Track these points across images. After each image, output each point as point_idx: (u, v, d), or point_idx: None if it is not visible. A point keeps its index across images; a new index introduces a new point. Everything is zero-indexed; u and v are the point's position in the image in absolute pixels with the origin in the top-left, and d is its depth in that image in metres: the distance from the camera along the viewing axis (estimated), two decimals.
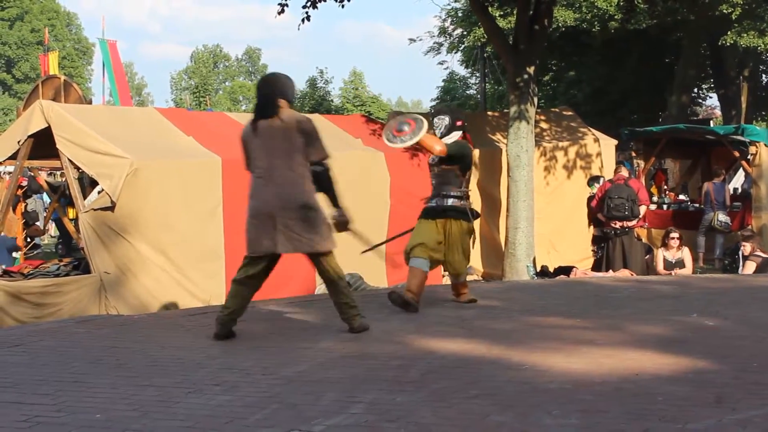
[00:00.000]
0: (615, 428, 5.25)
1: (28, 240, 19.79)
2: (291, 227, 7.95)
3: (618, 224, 15.00)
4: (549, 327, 8.57)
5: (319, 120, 16.95)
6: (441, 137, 9.74)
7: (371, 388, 6.34)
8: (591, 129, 19.53)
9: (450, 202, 9.73)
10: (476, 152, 17.44)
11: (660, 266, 14.57)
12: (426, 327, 8.65)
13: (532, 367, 6.86)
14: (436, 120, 9.89)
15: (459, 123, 9.90)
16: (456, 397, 6.08)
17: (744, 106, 35.16)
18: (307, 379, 6.70)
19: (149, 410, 5.96)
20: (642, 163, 20.63)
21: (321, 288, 13.24)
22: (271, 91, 8.20)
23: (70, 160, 12.28)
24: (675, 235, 15.19)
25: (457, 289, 10.22)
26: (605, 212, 15.02)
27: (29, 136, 12.54)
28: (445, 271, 10.23)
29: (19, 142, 12.68)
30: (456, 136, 9.86)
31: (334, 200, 8.32)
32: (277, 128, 8.02)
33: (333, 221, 8.29)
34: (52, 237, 24.99)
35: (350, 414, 5.71)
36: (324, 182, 8.21)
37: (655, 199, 20.92)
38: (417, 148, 16.12)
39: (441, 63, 65.53)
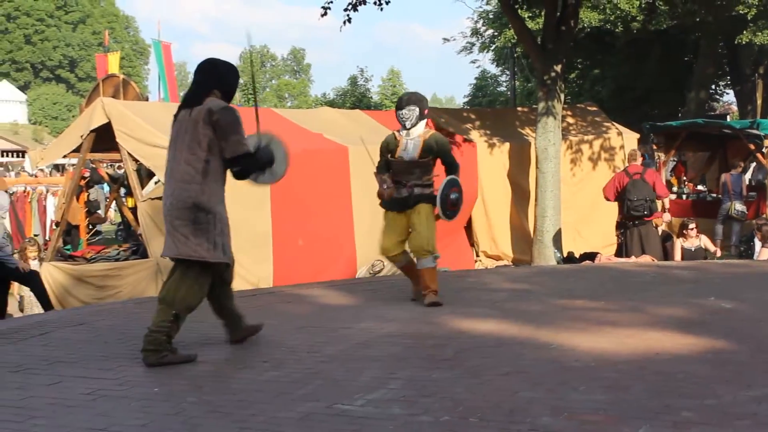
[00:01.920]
0: (636, 403, 5.24)
1: (90, 227, 19.93)
2: (177, 228, 6.54)
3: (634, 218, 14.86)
4: (575, 309, 8.54)
5: (359, 115, 17.04)
6: (411, 126, 9.01)
7: (408, 366, 6.36)
8: (614, 123, 19.45)
9: (428, 191, 9.09)
10: (506, 145, 17.44)
11: (678, 256, 14.44)
12: (460, 309, 8.64)
13: (559, 346, 6.84)
14: (406, 111, 9.02)
15: (426, 112, 9.22)
16: (488, 374, 6.08)
17: (759, 101, 34.81)
18: (349, 357, 6.73)
19: (203, 384, 6.01)
20: (662, 156, 20.48)
21: (362, 271, 13.29)
22: (203, 79, 6.82)
23: (129, 153, 12.37)
24: (692, 225, 15.05)
25: (424, 281, 9.08)
26: (624, 211, 14.85)
27: (91, 131, 12.63)
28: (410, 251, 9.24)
29: (81, 136, 12.78)
30: (423, 124, 9.16)
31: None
32: (187, 119, 6.60)
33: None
34: (112, 224, 25.16)
35: (389, 389, 5.73)
36: (243, 178, 6.85)
37: (675, 189, 20.78)
38: (451, 142, 16.16)
39: (473, 62, 65.60)
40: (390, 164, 9.20)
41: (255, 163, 6.77)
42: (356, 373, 6.19)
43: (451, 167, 9.20)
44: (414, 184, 9.03)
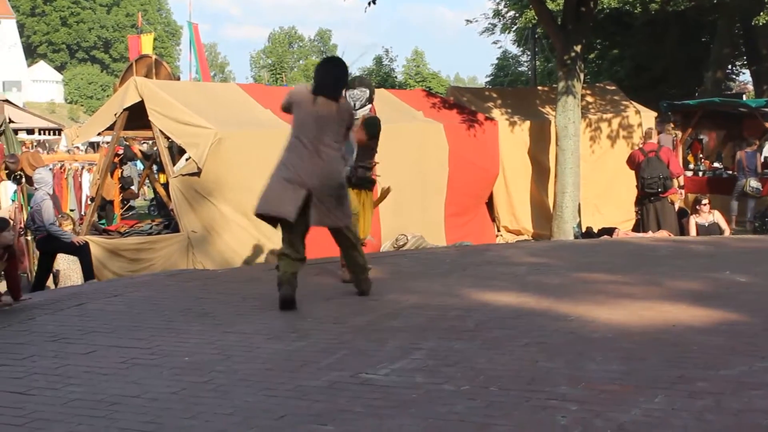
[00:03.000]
0: (653, 373, 5.23)
1: (124, 202, 20.00)
2: (324, 202, 7.47)
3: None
4: (593, 282, 8.51)
5: (383, 94, 16.97)
6: (359, 108, 8.96)
7: (431, 336, 6.36)
8: (632, 102, 19.32)
9: (369, 174, 9.15)
10: (527, 123, 17.37)
11: (693, 232, 14.35)
12: (481, 282, 8.63)
13: (577, 318, 6.83)
14: (358, 91, 9.07)
15: (373, 97, 9.27)
16: (508, 344, 6.07)
17: None
18: (374, 328, 6.74)
19: (232, 354, 6.03)
20: (679, 134, 20.33)
21: (386, 245, 13.29)
22: (342, 76, 7.84)
23: (161, 131, 12.38)
24: (705, 201, 14.92)
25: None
26: (640, 188, 14.77)
27: (124, 109, 12.65)
28: None
29: (115, 114, 12.80)
30: (367, 108, 9.15)
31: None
32: (335, 110, 7.58)
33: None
34: (145, 200, 25.26)
35: (412, 359, 5.73)
36: None
37: (691, 166, 20.67)
38: (474, 120, 16.13)
39: (495, 42, 65.23)
40: None
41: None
42: (381, 344, 6.20)
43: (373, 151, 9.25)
44: (358, 165, 8.95)
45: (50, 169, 16.78)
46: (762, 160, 19.66)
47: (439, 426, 4.44)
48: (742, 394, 4.79)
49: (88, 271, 11.60)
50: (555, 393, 4.89)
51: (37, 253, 12.27)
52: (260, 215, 7.72)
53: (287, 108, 7.78)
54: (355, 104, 9.01)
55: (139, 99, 12.43)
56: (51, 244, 11.59)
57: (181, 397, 5.03)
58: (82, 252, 11.67)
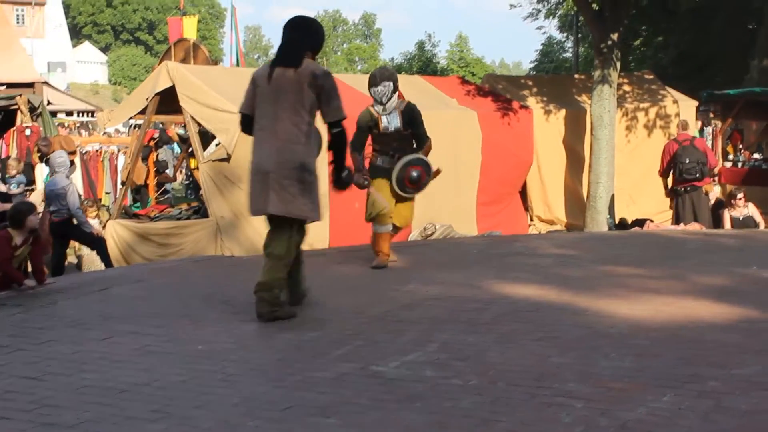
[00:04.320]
0: (665, 371, 5.20)
1: (159, 186, 20.12)
2: (285, 187, 6.52)
3: (686, 184, 14.67)
4: (617, 276, 8.47)
5: (417, 81, 16.99)
6: (388, 101, 9.06)
7: (447, 329, 6.36)
8: (670, 91, 19.14)
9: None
10: (562, 112, 17.28)
11: (727, 225, 14.21)
12: (504, 273, 8.62)
13: (596, 312, 6.80)
14: (381, 88, 9.05)
15: (398, 84, 9.23)
16: (522, 339, 6.07)
17: None
18: (391, 319, 6.75)
19: (247, 343, 6.09)
20: (719, 124, 20.14)
21: (414, 234, 13.29)
22: (299, 38, 6.72)
23: (192, 116, 12.46)
24: (740, 195, 14.74)
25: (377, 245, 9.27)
26: (677, 174, 14.66)
27: (156, 94, 12.75)
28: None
29: (147, 99, 12.91)
30: (396, 97, 9.15)
31: (340, 162, 6.90)
32: (291, 79, 6.52)
33: (337, 181, 7.01)
34: (181, 184, 25.40)
35: (425, 352, 5.75)
36: (338, 144, 6.81)
37: (731, 157, 20.43)
38: (508, 108, 16.07)
39: (539, 28, 64.73)
40: (374, 138, 9.24)
41: (346, 137, 6.89)
42: (396, 335, 6.22)
43: (420, 139, 9.30)
44: (401, 154, 9.15)
45: (83, 152, 16.99)
46: None
47: (442, 421, 4.45)
48: (752, 394, 4.75)
49: (107, 264, 11.68)
50: (562, 390, 4.88)
51: None
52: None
53: (248, 98, 6.87)
54: (381, 99, 9.06)
55: (171, 84, 12.52)
56: (67, 230, 11.64)
57: (190, 386, 5.09)
58: (98, 244, 11.76)
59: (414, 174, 9.16)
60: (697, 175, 14.36)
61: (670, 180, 15.09)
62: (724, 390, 4.83)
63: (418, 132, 9.25)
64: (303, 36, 6.73)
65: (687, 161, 14.25)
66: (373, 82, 9.15)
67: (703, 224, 13.89)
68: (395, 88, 9.14)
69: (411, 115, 9.19)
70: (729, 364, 5.32)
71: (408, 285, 8.05)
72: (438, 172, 9.47)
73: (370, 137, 9.28)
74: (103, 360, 5.65)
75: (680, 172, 14.43)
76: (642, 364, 5.36)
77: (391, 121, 9.12)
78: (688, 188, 14.48)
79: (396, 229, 9.48)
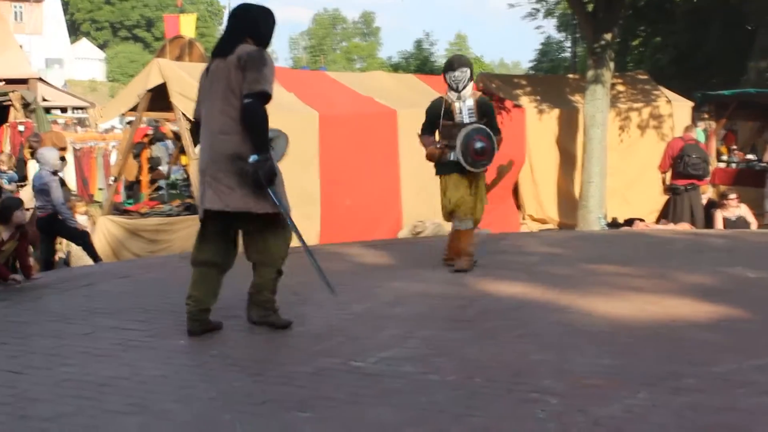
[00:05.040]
0: (643, 369, 5.25)
1: (153, 182, 20.13)
2: (219, 180, 5.92)
3: (687, 181, 14.73)
4: (603, 274, 8.51)
5: (411, 80, 17.01)
6: (464, 88, 8.62)
7: (429, 325, 6.41)
8: (664, 91, 19.16)
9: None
10: (555, 111, 17.32)
11: (719, 225, 14.25)
12: (490, 271, 8.64)
13: (578, 310, 6.85)
14: (458, 73, 8.60)
15: (473, 74, 8.86)
16: (503, 335, 6.11)
17: None
18: (373, 315, 6.81)
19: (229, 338, 6.12)
20: (713, 124, 20.17)
21: (403, 232, 13.33)
22: (235, 26, 6.19)
23: (183, 113, 12.48)
24: (732, 195, 14.79)
25: (458, 245, 8.87)
26: (681, 168, 14.72)
27: (148, 91, 12.77)
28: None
29: (138, 95, 12.93)
30: (471, 86, 8.76)
31: (256, 143, 5.87)
32: (221, 68, 5.98)
33: (246, 170, 5.89)
34: (176, 180, 25.38)
35: (405, 348, 5.80)
36: (247, 119, 5.85)
37: (724, 158, 20.47)
38: (501, 107, 16.08)
39: (537, 28, 64.74)
40: (443, 128, 8.77)
41: (264, 115, 5.88)
42: (377, 331, 6.26)
43: (494, 132, 8.78)
44: (445, 145, 8.73)
45: (77, 148, 17.03)
46: None
47: (418, 416, 4.49)
48: (727, 392, 4.80)
49: (94, 258, 11.72)
50: (539, 386, 4.92)
51: None
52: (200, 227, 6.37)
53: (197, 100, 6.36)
54: (458, 86, 8.67)
55: (162, 80, 12.52)
56: (52, 226, 11.64)
57: (169, 380, 5.13)
58: (83, 240, 11.78)
59: (478, 145, 8.52)
60: (701, 172, 14.45)
61: (668, 177, 15.16)
62: (699, 387, 4.89)
63: (491, 124, 8.78)
64: (240, 24, 6.16)
65: (694, 155, 14.36)
66: (449, 68, 8.74)
67: (698, 224, 13.95)
68: (472, 77, 8.79)
69: (485, 107, 8.84)
70: (707, 362, 5.37)
71: (393, 282, 8.09)
72: (509, 165, 9.20)
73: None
74: (85, 354, 5.69)
75: (685, 165, 14.50)
76: (620, 362, 5.41)
77: (464, 111, 8.68)
78: (689, 187, 14.55)
79: (466, 219, 8.84)
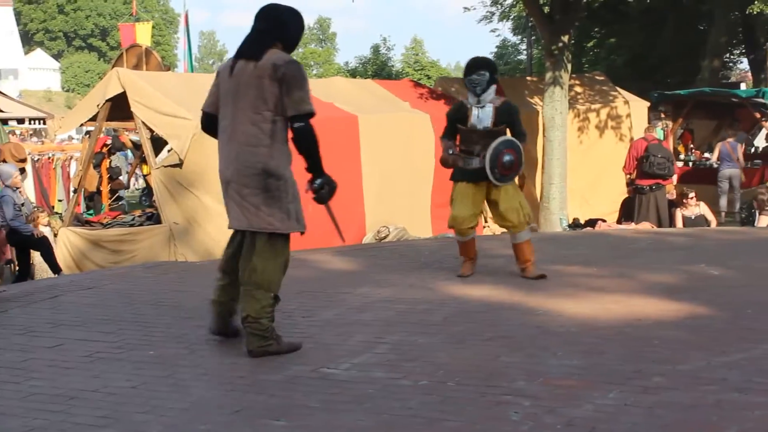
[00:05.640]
0: (611, 368, 5.28)
1: (113, 193, 20.04)
2: (246, 197, 5.72)
3: (653, 181, 14.87)
4: (567, 275, 8.55)
5: (370, 85, 17.02)
6: (482, 92, 8.14)
7: (397, 330, 6.40)
8: (621, 92, 19.36)
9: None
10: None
11: (679, 224, 14.40)
12: (455, 275, 8.63)
13: (545, 312, 6.87)
14: (476, 76, 8.13)
15: (496, 77, 8.32)
16: (472, 339, 6.12)
17: None
18: (342, 322, 6.78)
19: (197, 348, 6.08)
20: (670, 124, 20.40)
21: (368, 237, 13.33)
22: (264, 27, 5.86)
23: (143, 122, 12.43)
24: (691, 194, 14.96)
25: (524, 255, 8.55)
26: (647, 168, 14.83)
27: (107, 100, 12.70)
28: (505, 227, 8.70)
29: (98, 105, 12.86)
30: (493, 90, 8.24)
31: (314, 166, 5.82)
32: (251, 73, 5.68)
33: (311, 191, 5.89)
34: (137, 189, 25.30)
35: (375, 353, 5.79)
36: (302, 143, 5.75)
37: (682, 157, 20.70)
38: None
39: (493, 31, 64.86)
40: (460, 133, 8.38)
41: (316, 136, 5.78)
42: (346, 337, 6.25)
43: (520, 138, 8.41)
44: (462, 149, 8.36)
45: (35, 159, 16.87)
46: (754, 150, 19.74)
47: (391, 421, 4.49)
48: (696, 389, 4.84)
49: (52, 265, 11.67)
50: (511, 388, 4.94)
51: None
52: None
53: (209, 96, 6.06)
54: (476, 90, 8.21)
55: (122, 90, 12.48)
56: (13, 238, 11.64)
57: (139, 391, 5.08)
58: (42, 246, 11.73)
59: (507, 158, 8.15)
60: (666, 171, 14.58)
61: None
62: (669, 385, 4.92)
63: (515, 130, 8.38)
64: (270, 26, 5.84)
65: (659, 155, 14.50)
66: (467, 71, 8.31)
67: (664, 223, 14.09)
68: (492, 80, 8.25)
69: (508, 114, 8.33)
70: (674, 360, 5.41)
71: (360, 288, 8.08)
72: (523, 178, 8.85)
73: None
74: (53, 367, 5.63)
75: (650, 165, 14.63)
76: (589, 362, 5.44)
77: (482, 117, 8.21)
78: (654, 186, 14.67)
79: (515, 230, 8.51)
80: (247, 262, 5.84)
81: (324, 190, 5.89)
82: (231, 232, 6.10)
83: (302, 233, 6.01)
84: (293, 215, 5.83)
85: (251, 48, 5.80)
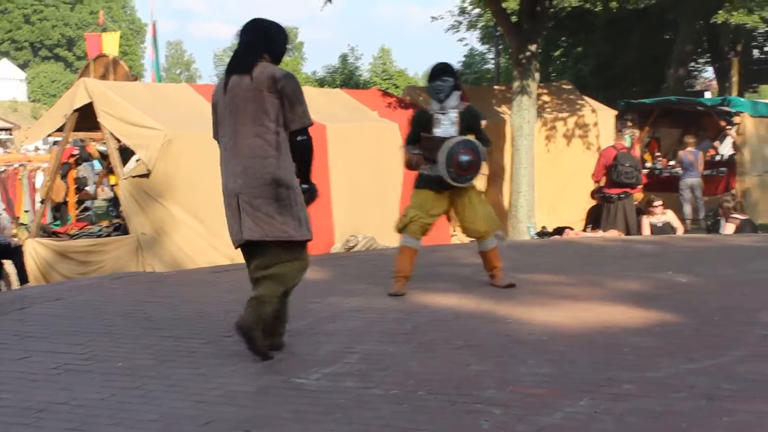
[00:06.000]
0: (581, 376, 5.30)
1: (80, 203, 19.91)
2: (258, 207, 5.79)
3: (621, 190, 14.94)
4: (536, 283, 8.57)
5: (338, 94, 17.03)
6: (446, 98, 7.97)
7: (367, 340, 6.40)
8: (589, 101, 19.47)
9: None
10: (482, 123, 17.42)
11: (646, 232, 14.48)
12: (425, 284, 8.60)
13: (515, 320, 6.89)
14: (439, 83, 7.96)
15: (459, 84, 8.18)
16: (442, 348, 6.13)
17: (735, 78, 34.75)
18: (312, 332, 6.77)
19: (166, 359, 6.04)
20: (637, 132, 20.50)
21: (336, 247, 13.32)
22: (251, 40, 5.98)
23: (111, 132, 12.37)
24: (658, 202, 15.04)
25: (491, 262, 8.47)
26: (615, 177, 14.90)
27: (74, 111, 12.63)
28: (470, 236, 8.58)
29: (65, 115, 12.78)
30: (457, 96, 8.05)
31: (306, 174, 6.06)
32: (248, 87, 5.80)
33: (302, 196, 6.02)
34: (104, 200, 25.15)
35: (345, 363, 5.78)
36: (303, 154, 5.98)
37: (648, 165, 20.83)
38: None
39: (460, 40, 64.99)
40: (422, 140, 8.15)
41: (312, 146, 6.02)
42: (317, 347, 6.24)
43: (484, 143, 8.20)
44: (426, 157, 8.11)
45: (3, 170, 16.75)
46: (720, 157, 19.90)
47: (362, 431, 4.49)
48: (666, 396, 4.87)
49: (21, 274, 11.61)
50: (481, 397, 4.94)
51: None
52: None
53: (213, 120, 6.17)
54: (438, 96, 8.05)
55: (89, 100, 12.40)
56: None
57: (109, 403, 5.04)
58: (13, 254, 11.67)
59: (464, 158, 7.88)
60: (634, 180, 14.66)
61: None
62: (639, 393, 4.95)
63: (479, 136, 8.18)
64: (256, 38, 5.97)
65: (627, 164, 14.57)
66: (431, 77, 8.13)
67: (633, 231, 14.16)
68: (456, 86, 8.10)
69: (471, 119, 8.16)
70: (643, 368, 5.44)
71: (328, 297, 8.05)
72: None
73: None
74: (21, 379, 5.58)
75: (618, 174, 14.68)
76: (559, 370, 5.46)
77: (445, 125, 8.04)
78: (622, 195, 14.74)
79: (482, 239, 8.38)
80: (261, 270, 6.02)
81: (306, 195, 6.05)
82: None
83: (310, 240, 6.12)
84: (304, 223, 5.95)
85: (242, 62, 5.92)
